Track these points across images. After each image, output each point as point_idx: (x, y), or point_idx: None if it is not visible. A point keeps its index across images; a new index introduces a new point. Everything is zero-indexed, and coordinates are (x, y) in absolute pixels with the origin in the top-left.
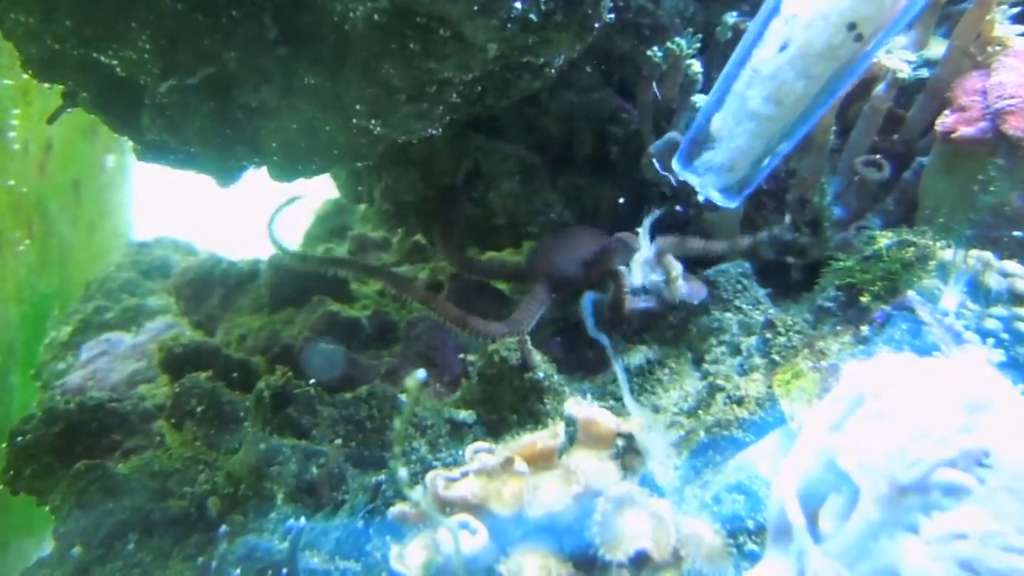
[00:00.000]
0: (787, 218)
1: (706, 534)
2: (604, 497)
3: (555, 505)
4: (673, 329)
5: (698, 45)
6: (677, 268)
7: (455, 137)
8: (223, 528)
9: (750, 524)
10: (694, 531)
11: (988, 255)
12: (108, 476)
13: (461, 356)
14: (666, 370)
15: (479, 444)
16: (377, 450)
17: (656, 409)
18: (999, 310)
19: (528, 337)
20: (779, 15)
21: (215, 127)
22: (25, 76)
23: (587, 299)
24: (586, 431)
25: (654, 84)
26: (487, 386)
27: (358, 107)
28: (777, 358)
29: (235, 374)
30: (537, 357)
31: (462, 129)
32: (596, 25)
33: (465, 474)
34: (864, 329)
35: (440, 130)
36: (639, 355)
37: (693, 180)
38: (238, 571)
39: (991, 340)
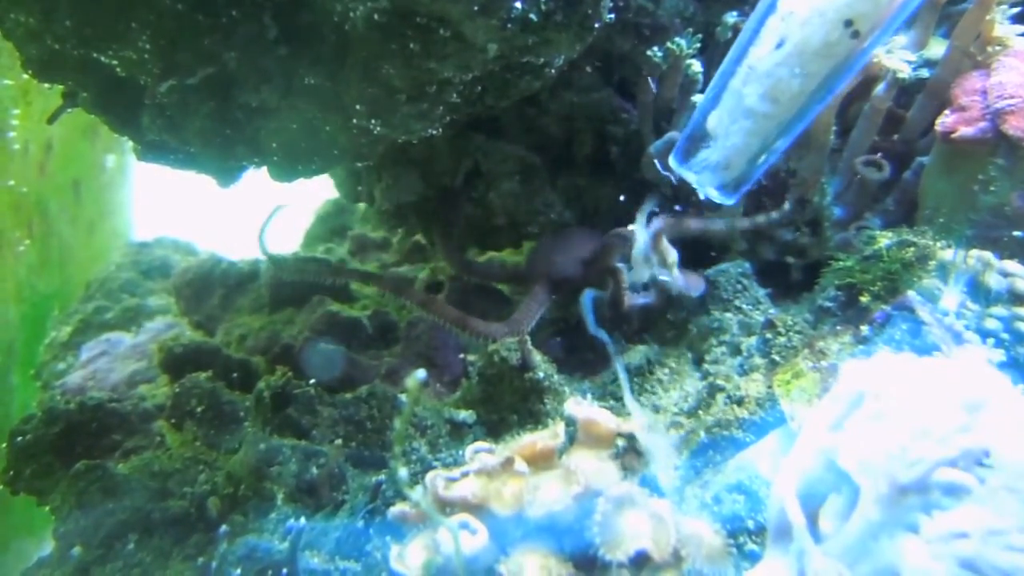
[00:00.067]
0: (787, 203)
1: (706, 534)
2: (604, 497)
3: (555, 505)
4: (673, 329)
5: (698, 45)
6: (673, 255)
7: (455, 137)
8: (223, 528)
9: (750, 524)
10: (694, 531)
11: (988, 255)
12: (108, 476)
13: (461, 356)
14: (666, 370)
15: (479, 444)
16: (377, 450)
17: (656, 409)
18: (999, 310)
19: (528, 337)
20: (776, 12)
21: (215, 127)
22: (25, 76)
23: (586, 297)
24: (586, 431)
25: (650, 80)
26: (487, 386)
27: (358, 107)
28: (777, 358)
29: (235, 374)
30: (537, 357)
31: (462, 129)
32: (596, 25)
33: (465, 474)
34: (864, 329)
35: (440, 130)
36: (639, 355)
37: (690, 177)
38: (238, 571)
39: (991, 340)
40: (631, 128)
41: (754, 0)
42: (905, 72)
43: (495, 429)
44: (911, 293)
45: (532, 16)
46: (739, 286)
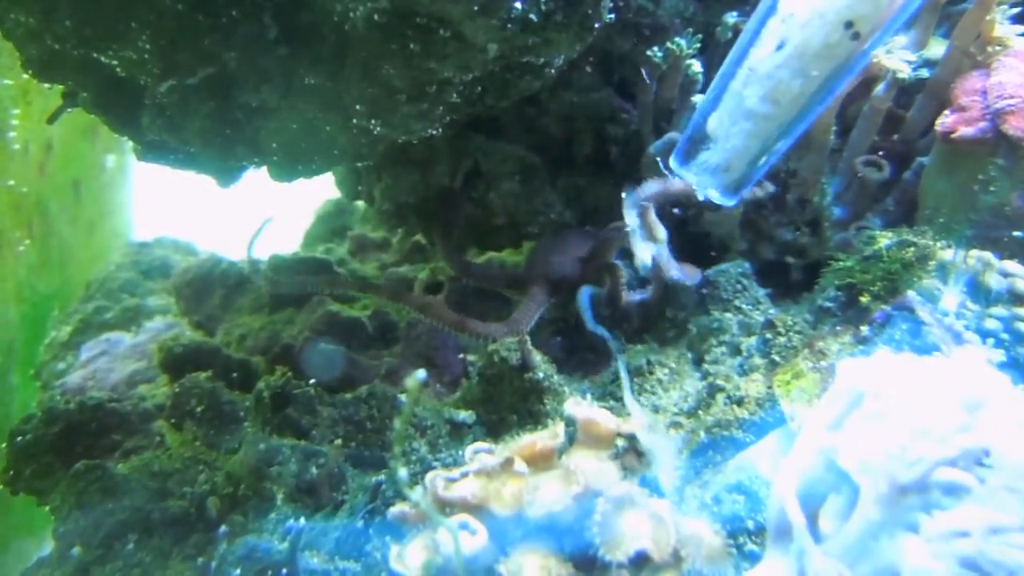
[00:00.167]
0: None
1: (706, 534)
2: (604, 497)
3: (555, 505)
4: (674, 329)
5: (698, 45)
6: (662, 231)
7: (455, 137)
8: (223, 528)
9: (750, 524)
10: (694, 531)
11: (988, 255)
12: (108, 476)
13: (461, 356)
14: (666, 370)
15: (479, 444)
16: (377, 450)
17: (656, 409)
18: (999, 310)
19: (528, 337)
20: (776, 14)
21: (215, 127)
22: (25, 76)
23: (584, 294)
24: (586, 431)
25: (645, 73)
26: (487, 386)
27: (358, 107)
28: (777, 358)
29: (235, 374)
30: (537, 357)
31: (462, 129)
32: (596, 25)
33: (465, 474)
34: (864, 329)
35: (440, 130)
36: (639, 355)
37: (691, 179)
38: (238, 571)
39: (991, 340)
40: (631, 128)
41: (754, 1)
42: (905, 72)
43: (495, 429)
44: (911, 293)
45: (532, 16)
46: (739, 286)
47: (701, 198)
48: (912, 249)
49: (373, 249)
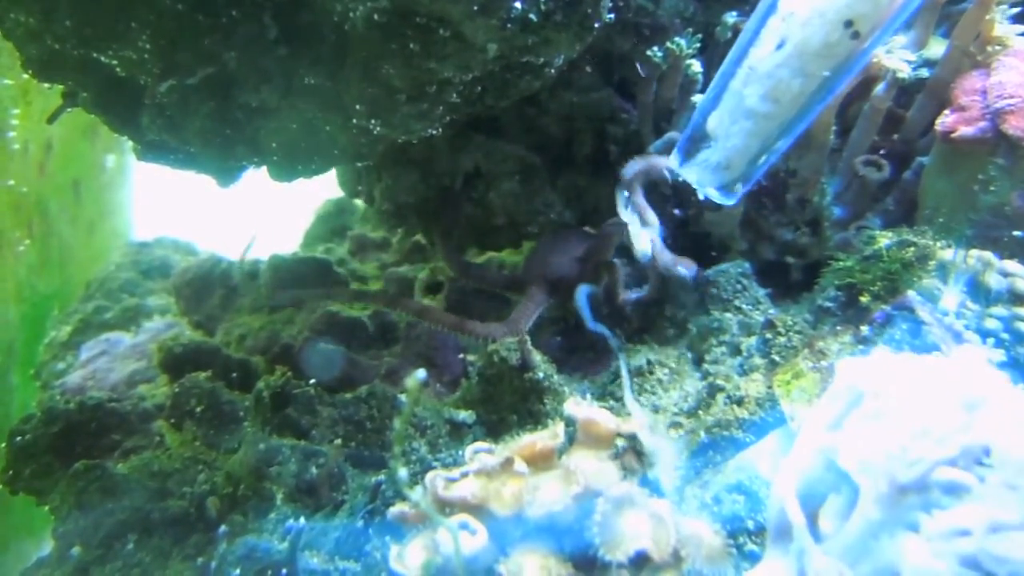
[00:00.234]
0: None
1: (706, 534)
2: (604, 497)
3: (555, 505)
4: (674, 329)
5: (698, 45)
6: (652, 215)
7: (455, 137)
8: (223, 528)
9: (750, 524)
10: (694, 531)
11: (988, 255)
12: (107, 476)
13: (461, 356)
14: (666, 370)
15: (479, 444)
16: (377, 450)
17: (656, 409)
18: (999, 310)
19: (528, 337)
20: (776, 13)
21: (215, 127)
22: (25, 76)
23: (581, 292)
24: (586, 431)
25: (640, 67)
26: (487, 386)
27: (358, 107)
28: (777, 358)
29: (235, 374)
30: (537, 357)
31: (462, 129)
32: (596, 25)
33: (465, 474)
34: (864, 329)
35: (440, 130)
36: (639, 355)
37: (691, 178)
38: (237, 571)
39: (991, 340)
40: (631, 128)
41: (754, 0)
42: (905, 72)
43: (495, 429)
44: (911, 293)
45: (532, 16)
46: (739, 286)
47: (701, 197)
48: (912, 249)
49: (373, 249)
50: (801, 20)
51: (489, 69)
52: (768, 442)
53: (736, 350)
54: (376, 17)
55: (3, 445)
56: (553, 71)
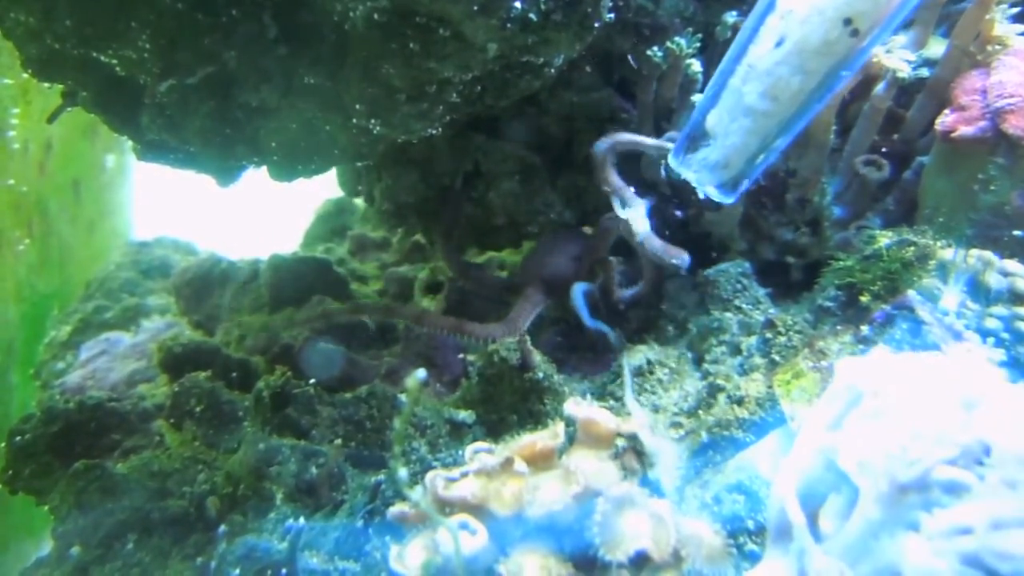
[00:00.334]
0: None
1: (706, 534)
2: (604, 497)
3: (555, 505)
4: (674, 328)
5: (698, 45)
6: (632, 195)
7: (455, 137)
8: (222, 528)
9: (750, 524)
10: (694, 531)
11: (988, 254)
12: (107, 476)
13: (461, 356)
14: (666, 370)
15: (479, 444)
16: (377, 450)
17: (656, 409)
18: (999, 309)
19: (528, 337)
20: (775, 11)
21: (215, 126)
22: (25, 75)
23: (577, 290)
24: (586, 431)
25: (632, 59)
26: (487, 386)
27: (358, 107)
28: (777, 358)
29: (234, 374)
30: (537, 357)
31: (462, 129)
32: (596, 25)
33: (465, 474)
34: (864, 329)
35: (440, 130)
36: (639, 355)
37: (690, 176)
38: (237, 571)
39: (991, 339)
40: (631, 128)
41: (753, 0)
42: (905, 71)
43: (495, 429)
44: (911, 293)
45: (532, 16)
46: (739, 286)
47: (701, 195)
48: (912, 248)
49: (373, 249)
50: (800, 18)
51: (489, 69)
52: (768, 442)
53: (736, 350)
54: (376, 17)
55: (3, 445)
56: (553, 71)
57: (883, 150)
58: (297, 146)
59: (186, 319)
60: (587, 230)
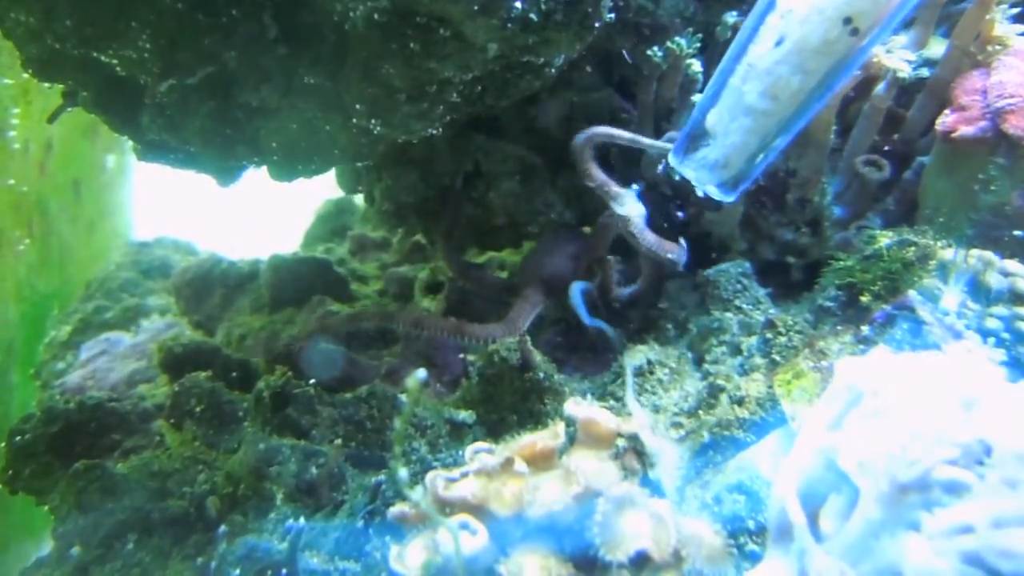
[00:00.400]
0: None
1: (707, 534)
2: (604, 497)
3: (555, 505)
4: (674, 328)
5: (698, 45)
6: (617, 188)
7: (455, 137)
8: (222, 528)
9: (751, 524)
10: (695, 531)
11: (989, 254)
12: (107, 476)
13: (461, 356)
14: (666, 370)
15: (479, 444)
16: (377, 450)
17: (656, 409)
18: (1000, 309)
19: (528, 337)
20: (775, 10)
21: (215, 127)
22: (25, 75)
23: (575, 289)
24: (586, 431)
25: (626, 54)
26: (487, 386)
27: (358, 107)
28: (778, 358)
29: (235, 374)
30: (537, 357)
31: (462, 129)
32: (596, 25)
33: (465, 474)
34: (865, 329)
35: (440, 130)
36: (639, 355)
37: (690, 175)
38: (237, 571)
39: (992, 339)
40: (631, 128)
41: (753, 0)
42: (905, 71)
43: (495, 429)
44: (912, 293)
45: (532, 16)
46: (739, 286)
47: (700, 194)
48: (913, 248)
49: (373, 249)
50: (800, 17)
51: (489, 69)
52: (769, 442)
53: (737, 350)
54: (376, 17)
55: (3, 445)
56: (553, 71)
57: (885, 149)
58: (297, 146)
59: (186, 319)
60: (587, 230)
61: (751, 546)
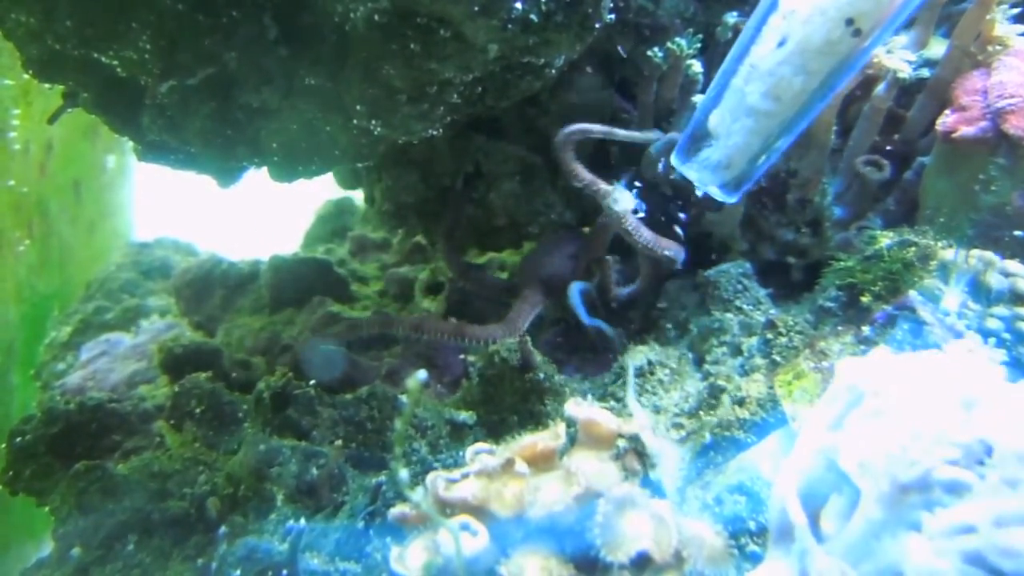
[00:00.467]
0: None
1: (708, 535)
2: (605, 498)
3: (556, 506)
4: (675, 329)
5: (698, 45)
6: (604, 185)
7: (456, 138)
8: (223, 529)
9: (752, 525)
10: (696, 532)
11: (990, 255)
12: (108, 477)
13: (461, 357)
14: (667, 370)
15: (480, 445)
16: (377, 451)
17: (657, 409)
18: (1001, 310)
19: (528, 338)
20: (777, 11)
21: (216, 127)
22: (26, 76)
23: (574, 289)
24: (587, 432)
25: (621, 49)
26: (487, 387)
27: (359, 108)
28: (778, 359)
29: (235, 375)
30: (538, 358)
31: (463, 129)
32: (597, 26)
33: (466, 475)
34: (865, 329)
35: (441, 130)
36: (640, 355)
37: (692, 176)
38: (238, 572)
39: (993, 340)
40: (631, 128)
41: (755, 1)
42: (905, 72)
43: (495, 430)
44: (912, 293)
45: (533, 16)
46: (740, 286)
47: (700, 193)
48: (913, 249)
49: (373, 250)
50: (802, 18)
51: (490, 69)
52: (769, 442)
53: (737, 350)
54: (377, 18)
55: (3, 446)
56: (554, 71)
57: (886, 150)
58: (298, 147)
59: (186, 320)
60: (587, 230)
61: (752, 547)
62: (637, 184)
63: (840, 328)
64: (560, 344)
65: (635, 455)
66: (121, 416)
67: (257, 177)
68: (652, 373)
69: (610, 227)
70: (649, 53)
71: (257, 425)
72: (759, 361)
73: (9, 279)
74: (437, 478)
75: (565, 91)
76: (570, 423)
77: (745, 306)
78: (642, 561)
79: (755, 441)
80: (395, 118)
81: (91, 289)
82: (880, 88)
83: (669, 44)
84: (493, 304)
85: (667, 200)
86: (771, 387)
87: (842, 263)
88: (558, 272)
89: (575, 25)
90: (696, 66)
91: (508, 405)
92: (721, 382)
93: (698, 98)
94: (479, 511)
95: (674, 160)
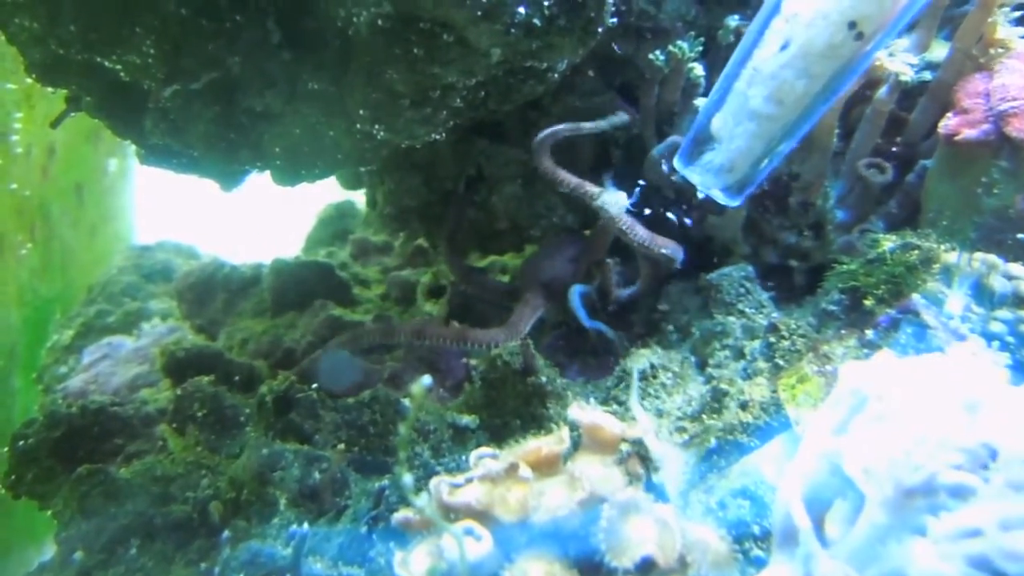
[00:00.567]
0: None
1: (712, 540)
2: (609, 503)
3: (560, 511)
4: (677, 332)
5: (700, 49)
6: (593, 187)
7: (458, 141)
8: (226, 533)
9: (756, 529)
10: (700, 537)
11: (993, 258)
12: (110, 481)
13: (464, 360)
14: (669, 374)
15: (483, 450)
16: (380, 455)
17: (660, 413)
18: (1004, 313)
19: (531, 341)
20: (780, 14)
21: (219, 131)
22: (29, 80)
23: (574, 292)
24: (591, 436)
25: (617, 48)
26: (490, 391)
27: (362, 112)
28: (781, 362)
29: (237, 378)
30: (540, 361)
31: (465, 133)
32: (599, 29)
33: (469, 480)
34: (868, 333)
35: (443, 134)
36: (642, 359)
37: (695, 179)
38: None
39: (996, 343)
40: (633, 132)
41: (757, 3)
42: (908, 75)
43: (498, 434)
44: (915, 296)
45: (536, 21)
46: (742, 290)
47: (700, 196)
48: (916, 252)
49: (375, 253)
50: (805, 21)
51: (492, 74)
52: (773, 447)
53: (740, 354)
54: (380, 22)
55: (5, 449)
56: (556, 75)
57: (888, 152)
58: (301, 151)
59: (188, 323)
60: (588, 233)
61: (756, 551)
62: (640, 183)
63: (843, 331)
64: (562, 347)
65: (638, 459)
66: (123, 420)
67: (259, 181)
68: (655, 377)
69: (609, 230)
70: (651, 56)
71: (260, 429)
72: (762, 365)
73: (11, 282)
74: (441, 483)
75: (567, 94)
76: (573, 427)
77: (748, 309)
78: (646, 566)
79: (758, 445)
80: (398, 122)
81: (93, 292)
82: (882, 91)
83: (671, 47)
84: (495, 307)
85: (669, 203)
86: (774, 391)
87: (845, 266)
88: (559, 275)
89: (578, 29)
90: (698, 69)
91: (510, 409)
92: (724, 386)
93: (700, 101)
94: (483, 516)
95: (677, 163)
